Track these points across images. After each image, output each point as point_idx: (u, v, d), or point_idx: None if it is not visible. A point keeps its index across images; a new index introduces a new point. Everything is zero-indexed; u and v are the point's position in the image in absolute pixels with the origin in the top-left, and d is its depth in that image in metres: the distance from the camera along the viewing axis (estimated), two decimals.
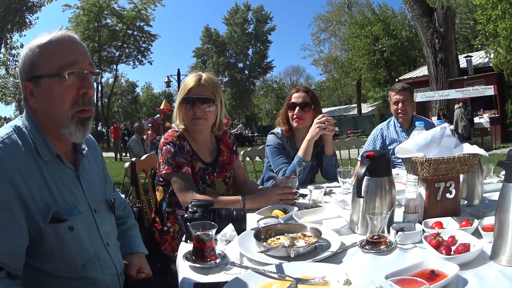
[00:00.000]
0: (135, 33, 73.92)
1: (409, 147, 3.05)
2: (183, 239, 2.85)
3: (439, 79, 30.19)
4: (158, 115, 48.09)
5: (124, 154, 36.36)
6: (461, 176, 3.14)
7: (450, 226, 2.66)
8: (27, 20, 45.05)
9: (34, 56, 2.44)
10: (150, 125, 43.65)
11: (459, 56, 33.99)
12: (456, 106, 27.63)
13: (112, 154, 38.06)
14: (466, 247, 2.20)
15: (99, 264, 2.59)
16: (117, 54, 74.57)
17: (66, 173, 2.57)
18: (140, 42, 75.42)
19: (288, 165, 5.02)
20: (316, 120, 4.86)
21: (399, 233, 2.52)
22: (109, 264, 2.72)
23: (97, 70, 2.63)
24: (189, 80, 4.16)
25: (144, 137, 22.86)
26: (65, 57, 2.44)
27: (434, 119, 24.17)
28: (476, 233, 2.53)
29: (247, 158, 6.37)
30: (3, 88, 60.43)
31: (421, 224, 2.72)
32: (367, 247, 2.49)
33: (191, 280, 2.26)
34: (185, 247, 2.70)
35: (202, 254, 2.41)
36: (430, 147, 3.01)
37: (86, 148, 2.82)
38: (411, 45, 57.39)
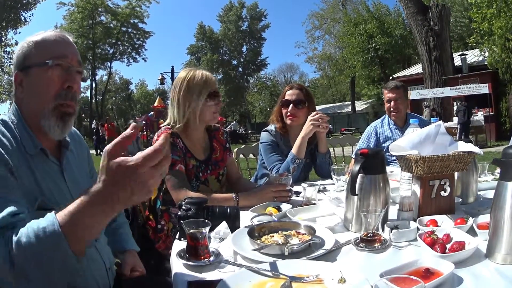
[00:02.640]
0: (129, 30, 73.94)
1: (403, 145, 3.04)
2: (177, 237, 2.85)
3: (434, 77, 30.27)
4: (152, 113, 48.17)
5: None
6: (456, 174, 3.15)
7: (445, 224, 2.65)
8: (22, 18, 45.12)
9: (28, 48, 2.54)
10: (144, 122, 43.74)
11: (453, 54, 34.07)
12: (425, 104, 27.75)
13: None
14: (461, 245, 2.19)
15: (86, 259, 2.57)
16: (111, 51, 74.62)
17: (51, 167, 2.59)
18: (134, 39, 75.41)
19: (282, 162, 5.01)
20: (309, 118, 4.86)
21: (394, 231, 2.51)
22: (97, 260, 2.74)
23: (85, 71, 2.69)
24: (209, 76, 4.21)
25: (138, 135, 22.85)
26: (55, 50, 2.54)
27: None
28: (471, 231, 2.52)
29: (241, 155, 6.37)
30: None
31: (415, 222, 2.71)
32: (361, 245, 2.48)
33: (185, 278, 2.24)
34: (179, 245, 2.69)
35: (195, 252, 2.40)
36: (425, 145, 3.00)
37: (71, 142, 2.84)
38: (406, 43, 57.52)
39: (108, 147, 1.83)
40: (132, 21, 72.87)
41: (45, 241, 1.83)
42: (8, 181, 2.17)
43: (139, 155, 1.79)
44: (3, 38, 45.16)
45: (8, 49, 45.35)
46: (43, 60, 2.49)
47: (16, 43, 45.17)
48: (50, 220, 1.87)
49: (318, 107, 5.61)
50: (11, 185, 2.16)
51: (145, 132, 45.55)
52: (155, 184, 1.84)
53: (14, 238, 1.88)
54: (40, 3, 45.43)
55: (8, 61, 46.15)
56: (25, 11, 44.98)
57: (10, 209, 2.05)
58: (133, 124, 1.94)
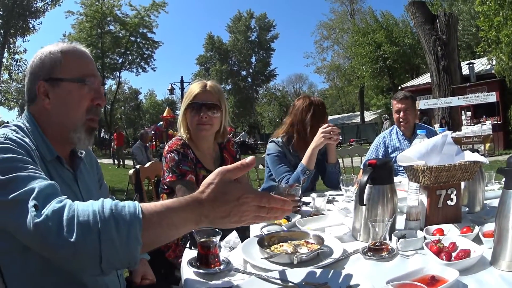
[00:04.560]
0: (138, 40, 73.49)
1: (410, 155, 3.08)
2: (188, 245, 2.87)
3: (442, 87, 30.17)
4: (161, 123, 48.22)
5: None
6: (463, 183, 3.17)
7: (451, 233, 2.68)
8: (30, 25, 45.21)
9: (56, 58, 2.55)
10: (153, 132, 43.79)
11: (461, 63, 33.95)
12: (384, 116, 27.55)
13: (115, 161, 38.22)
14: (466, 253, 2.22)
15: None
16: (120, 61, 74.20)
17: (66, 174, 2.63)
18: (143, 49, 74.96)
19: (291, 173, 5.01)
20: (321, 130, 4.85)
21: (401, 240, 2.54)
22: None
23: (105, 91, 2.78)
24: (194, 87, 4.24)
25: (148, 144, 22.87)
26: (87, 67, 2.64)
27: (436, 126, 24.18)
28: (477, 240, 2.54)
29: None
30: (6, 93, 60.71)
31: (422, 231, 2.73)
32: (369, 254, 2.50)
33: (195, 286, 2.28)
34: (189, 253, 2.72)
35: (206, 261, 2.43)
36: (432, 155, 3.03)
37: (84, 152, 2.89)
38: (414, 52, 57.21)
39: (225, 167, 1.93)
40: (141, 31, 72.43)
41: (120, 216, 1.81)
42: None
43: (261, 192, 1.93)
44: (11, 46, 45.33)
45: (16, 56, 45.53)
46: (76, 76, 2.55)
47: (25, 51, 45.42)
48: (132, 203, 1.87)
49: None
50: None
51: (155, 142, 45.55)
52: (248, 221, 1.92)
53: (75, 204, 1.88)
54: (49, 11, 45.53)
55: (16, 68, 46.27)
56: (34, 19, 45.11)
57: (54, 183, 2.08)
58: (252, 157, 1.99)
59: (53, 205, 1.86)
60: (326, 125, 4.90)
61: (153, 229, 1.84)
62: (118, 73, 75.80)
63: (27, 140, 2.36)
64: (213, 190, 1.87)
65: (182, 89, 44.63)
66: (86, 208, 1.84)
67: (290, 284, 2.11)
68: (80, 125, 2.60)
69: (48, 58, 2.56)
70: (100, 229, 1.77)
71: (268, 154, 5.43)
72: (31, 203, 1.88)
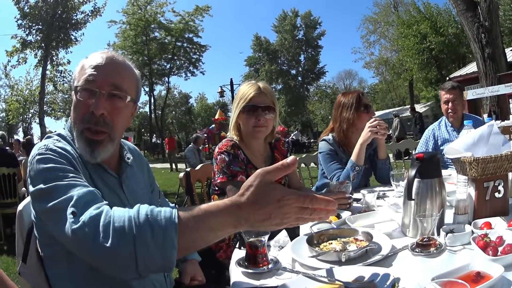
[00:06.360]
0: (185, 45, 73.39)
1: (457, 147, 3.05)
2: (237, 246, 2.91)
3: (488, 75, 29.48)
4: (213, 125, 48.34)
5: None
6: (510, 174, 3.12)
7: (498, 226, 2.64)
8: (72, 37, 45.76)
9: (75, 71, 2.65)
10: (205, 135, 44.00)
11: (505, 49, 33.35)
12: (394, 113, 27.41)
13: (167, 165, 38.50)
14: None
15: None
16: (168, 66, 74.10)
17: (110, 180, 2.68)
18: (191, 54, 74.86)
19: (342, 170, 5.01)
20: (368, 124, 4.83)
21: (449, 235, 2.51)
22: None
23: (126, 95, 2.62)
24: (249, 89, 4.25)
25: (200, 147, 23.02)
26: (86, 74, 2.54)
27: (485, 116, 23.82)
28: None
29: (302, 165, 6.41)
30: (52, 104, 61.83)
31: (470, 225, 2.70)
32: (417, 250, 2.49)
33: (242, 285, 2.31)
34: (239, 253, 2.75)
35: (254, 260, 2.45)
36: (478, 146, 2.99)
37: (131, 157, 2.94)
38: (459, 41, 56.26)
39: (265, 168, 1.87)
40: (186, 36, 72.10)
41: (155, 221, 1.85)
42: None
43: (303, 193, 1.82)
44: (54, 58, 46.05)
45: (60, 68, 46.27)
46: (76, 85, 2.55)
47: (68, 62, 46.17)
48: (168, 209, 1.90)
49: (378, 113, 5.57)
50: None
51: (207, 145, 45.72)
52: (291, 223, 1.86)
53: (113, 210, 1.95)
54: (90, 22, 46.04)
55: (61, 80, 47.06)
56: (75, 31, 45.66)
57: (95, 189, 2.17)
58: (293, 157, 1.94)
59: (90, 211, 1.94)
60: (373, 119, 4.88)
61: (189, 233, 1.87)
62: (166, 78, 76.02)
63: (68, 148, 2.45)
64: (253, 193, 1.82)
65: (232, 91, 44.70)
66: (122, 214, 1.90)
67: (336, 282, 2.11)
68: (78, 134, 2.52)
69: (75, 72, 2.66)
70: (135, 235, 1.82)
71: (320, 153, 5.44)
72: (69, 210, 1.97)
